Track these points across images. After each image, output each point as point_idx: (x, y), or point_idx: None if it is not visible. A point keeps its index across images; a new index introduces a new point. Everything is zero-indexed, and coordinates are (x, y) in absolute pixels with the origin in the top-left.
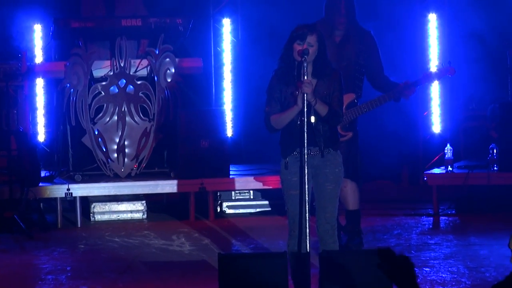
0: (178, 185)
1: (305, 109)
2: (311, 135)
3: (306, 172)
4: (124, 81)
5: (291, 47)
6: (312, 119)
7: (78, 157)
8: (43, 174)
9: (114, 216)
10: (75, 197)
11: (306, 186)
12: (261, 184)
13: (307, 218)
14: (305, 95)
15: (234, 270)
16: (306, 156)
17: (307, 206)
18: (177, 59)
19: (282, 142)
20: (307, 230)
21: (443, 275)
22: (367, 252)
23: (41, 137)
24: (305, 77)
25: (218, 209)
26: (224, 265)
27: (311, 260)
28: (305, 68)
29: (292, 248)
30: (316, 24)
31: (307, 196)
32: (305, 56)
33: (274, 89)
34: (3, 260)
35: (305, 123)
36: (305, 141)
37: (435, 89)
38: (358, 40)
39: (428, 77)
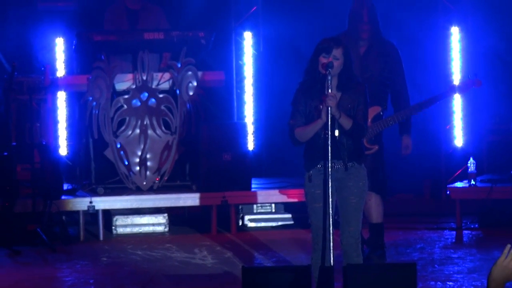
0: (200, 198)
1: (329, 123)
2: (335, 148)
3: (330, 185)
4: (147, 94)
5: (317, 60)
6: (336, 132)
7: (101, 170)
8: (65, 187)
9: (136, 229)
10: (97, 210)
11: (330, 200)
12: (283, 197)
13: (331, 231)
14: (329, 108)
15: (258, 283)
16: (330, 169)
17: (330, 220)
18: (199, 72)
19: (306, 155)
20: (331, 244)
21: None
22: (391, 266)
23: (63, 150)
24: (329, 91)
25: (240, 223)
26: (248, 278)
27: (335, 274)
28: (330, 82)
29: (316, 261)
30: (340, 36)
31: (330, 209)
32: (330, 70)
33: (299, 102)
34: (26, 273)
35: (329, 136)
36: (329, 154)
37: (457, 103)
38: (382, 52)
39: (452, 90)
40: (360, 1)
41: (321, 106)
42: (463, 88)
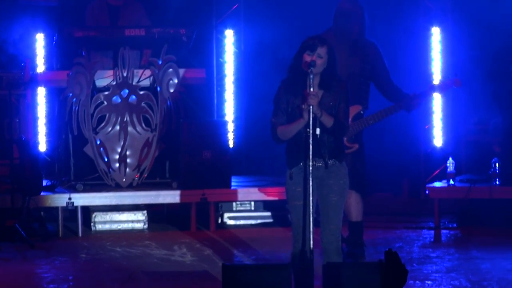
0: (180, 196)
1: (311, 121)
2: (316, 146)
3: (310, 183)
4: (127, 91)
5: (301, 57)
6: (317, 131)
7: (80, 166)
8: (44, 183)
9: (115, 226)
10: (76, 207)
11: (311, 198)
12: (262, 195)
13: (311, 229)
14: (311, 107)
15: (238, 281)
16: (311, 168)
17: (311, 218)
18: (180, 70)
19: (288, 152)
20: (311, 242)
21: None
22: (370, 265)
23: (42, 146)
24: (311, 89)
25: (219, 220)
26: (228, 276)
27: (315, 272)
28: (312, 80)
29: (296, 259)
30: (324, 34)
31: (311, 207)
32: (312, 68)
33: (281, 100)
34: (4, 269)
35: (311, 135)
36: (310, 153)
37: (437, 103)
38: (364, 52)
39: (432, 89)
40: (354, 2)
41: (303, 106)
42: (443, 88)
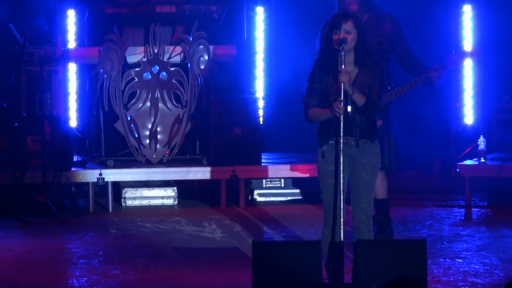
0: (210, 172)
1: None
2: (347, 125)
3: (341, 161)
4: (158, 67)
5: (331, 37)
6: (349, 108)
7: (111, 142)
8: (75, 159)
9: (145, 202)
10: (107, 182)
11: (342, 175)
12: (292, 172)
13: (342, 207)
14: (343, 84)
15: (268, 257)
16: (342, 146)
17: (341, 196)
18: (210, 46)
19: (320, 131)
20: (342, 219)
21: (476, 267)
22: (401, 242)
23: (73, 122)
24: (343, 66)
25: (249, 197)
26: (258, 252)
27: (345, 250)
28: (343, 57)
29: (327, 237)
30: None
31: (341, 185)
32: (343, 45)
33: (315, 79)
34: (35, 244)
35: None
36: (341, 131)
37: (468, 81)
38: (378, 25)
39: (452, 60)
40: None
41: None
42: (461, 56)
